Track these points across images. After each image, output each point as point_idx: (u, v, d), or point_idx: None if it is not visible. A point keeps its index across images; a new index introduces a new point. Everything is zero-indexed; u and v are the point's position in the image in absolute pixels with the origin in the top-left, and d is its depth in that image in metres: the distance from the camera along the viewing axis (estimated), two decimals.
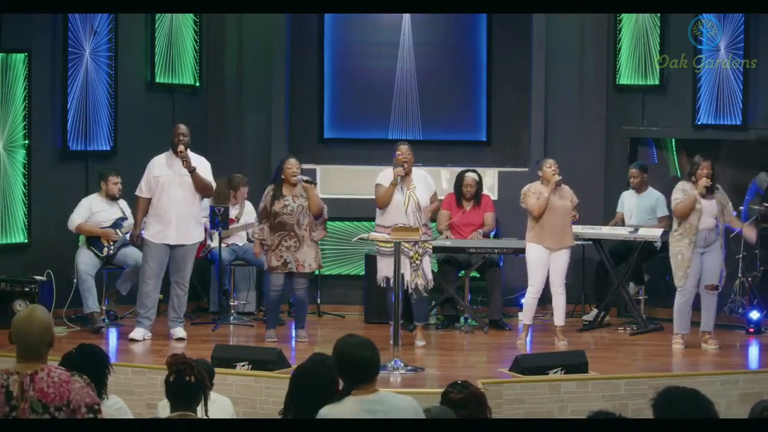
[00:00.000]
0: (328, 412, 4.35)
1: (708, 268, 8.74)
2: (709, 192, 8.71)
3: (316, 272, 10.46)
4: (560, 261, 8.99)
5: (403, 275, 8.53)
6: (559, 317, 9.08)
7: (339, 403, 4.37)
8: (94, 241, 9.43)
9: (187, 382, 4.46)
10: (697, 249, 8.70)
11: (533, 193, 8.99)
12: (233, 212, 10.21)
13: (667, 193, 10.16)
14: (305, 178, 8.92)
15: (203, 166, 8.99)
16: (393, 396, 4.49)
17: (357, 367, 4.40)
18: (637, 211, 10.11)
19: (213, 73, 11.02)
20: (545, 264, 8.99)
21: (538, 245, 8.97)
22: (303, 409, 4.50)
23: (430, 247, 8.96)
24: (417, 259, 8.72)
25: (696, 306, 8.92)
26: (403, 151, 8.81)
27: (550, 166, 9.00)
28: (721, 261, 8.77)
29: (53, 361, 4.81)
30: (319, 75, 11.07)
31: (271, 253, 8.90)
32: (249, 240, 10.12)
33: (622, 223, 10.10)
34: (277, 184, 8.97)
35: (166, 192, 8.89)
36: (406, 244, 8.54)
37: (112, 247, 9.47)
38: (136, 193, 9.04)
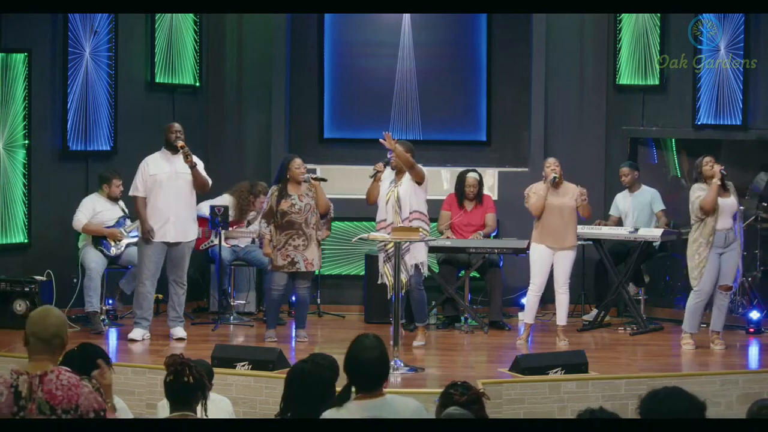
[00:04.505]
0: (330, 416, 4.32)
1: (725, 269, 8.71)
2: (723, 189, 8.69)
3: (316, 272, 10.49)
4: (564, 261, 8.98)
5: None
6: (561, 317, 9.07)
7: (342, 407, 4.34)
8: (100, 241, 9.42)
9: (185, 382, 4.47)
10: (715, 249, 8.67)
11: (534, 193, 9.00)
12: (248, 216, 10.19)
13: (666, 192, 10.19)
14: (314, 175, 8.95)
15: (198, 164, 8.99)
16: (399, 400, 4.43)
17: (361, 370, 4.37)
18: (633, 210, 10.10)
19: (213, 73, 11.01)
20: (547, 263, 8.98)
21: (540, 244, 8.98)
22: (298, 410, 4.50)
23: (427, 233, 8.89)
24: (391, 249, 8.59)
25: (706, 306, 8.92)
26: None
27: (548, 165, 9.03)
28: (737, 261, 8.75)
29: None
30: (319, 75, 11.06)
31: (276, 252, 8.90)
32: (253, 241, 10.12)
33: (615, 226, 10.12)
34: (282, 183, 8.98)
35: (164, 190, 8.87)
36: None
37: (119, 247, 9.47)
38: (132, 193, 8.97)
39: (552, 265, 8.99)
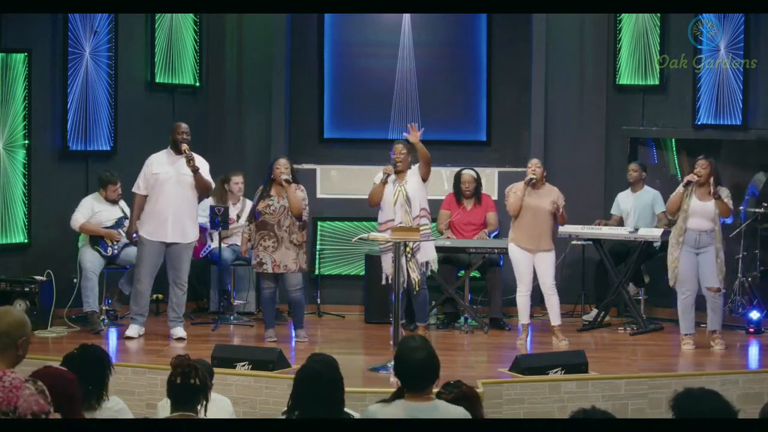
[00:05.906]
0: (376, 410, 4.39)
1: (704, 270, 8.72)
2: (708, 193, 8.68)
3: (316, 272, 10.47)
4: (544, 264, 9.01)
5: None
6: (554, 317, 9.11)
7: (389, 404, 4.39)
8: (98, 241, 9.42)
9: (191, 384, 4.47)
10: (687, 248, 8.71)
11: (513, 193, 9.04)
12: (234, 211, 10.20)
13: (666, 192, 10.18)
14: (285, 177, 8.90)
15: (203, 166, 9.00)
16: (446, 406, 4.45)
17: (408, 372, 4.42)
18: (635, 210, 10.11)
19: (213, 73, 11.01)
20: (528, 261, 9.01)
21: (516, 245, 9.01)
22: (307, 410, 4.51)
23: (429, 229, 8.90)
24: (408, 251, 8.64)
25: (702, 307, 8.91)
26: (397, 150, 8.85)
27: (530, 166, 9.06)
28: (715, 264, 8.71)
29: (55, 361, 4.83)
30: (319, 75, 11.06)
31: (254, 252, 8.96)
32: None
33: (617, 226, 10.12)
34: (266, 184, 9.01)
35: (164, 190, 8.89)
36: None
37: (116, 247, 9.47)
38: (134, 190, 9.05)
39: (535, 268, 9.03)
